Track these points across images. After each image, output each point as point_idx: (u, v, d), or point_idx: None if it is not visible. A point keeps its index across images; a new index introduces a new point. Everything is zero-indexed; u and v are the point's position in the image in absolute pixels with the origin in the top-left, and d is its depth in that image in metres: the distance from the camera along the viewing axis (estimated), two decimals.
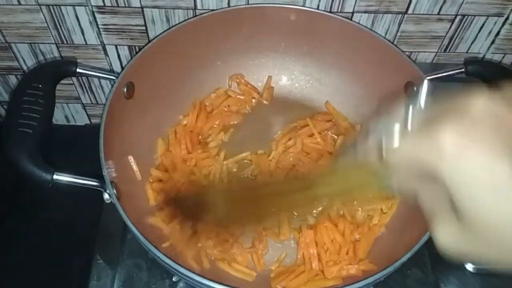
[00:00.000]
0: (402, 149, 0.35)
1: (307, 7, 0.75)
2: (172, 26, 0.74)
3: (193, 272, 0.52)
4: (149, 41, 0.72)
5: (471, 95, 0.32)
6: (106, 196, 0.60)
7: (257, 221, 0.66)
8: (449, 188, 0.32)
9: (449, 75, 0.71)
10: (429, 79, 0.69)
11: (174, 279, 0.72)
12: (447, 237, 0.35)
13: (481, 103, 0.32)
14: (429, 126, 0.33)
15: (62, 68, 0.69)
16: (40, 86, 0.64)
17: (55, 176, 0.58)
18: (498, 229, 0.31)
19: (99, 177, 0.59)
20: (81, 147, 0.68)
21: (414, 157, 0.34)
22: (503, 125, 0.31)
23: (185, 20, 0.75)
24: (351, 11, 0.77)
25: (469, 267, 0.76)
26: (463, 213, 0.32)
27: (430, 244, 0.75)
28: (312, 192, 0.50)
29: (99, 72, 0.69)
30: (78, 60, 0.85)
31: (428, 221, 0.36)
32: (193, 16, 0.77)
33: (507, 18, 0.79)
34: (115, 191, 0.59)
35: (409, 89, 0.72)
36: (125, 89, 0.69)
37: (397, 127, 0.35)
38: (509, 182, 0.30)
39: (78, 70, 0.68)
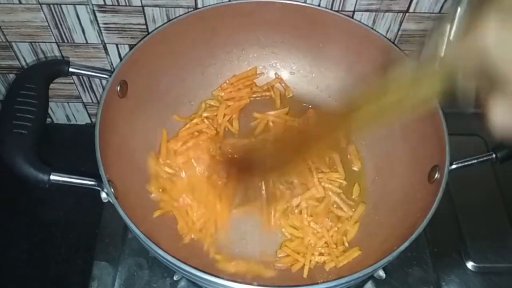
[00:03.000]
0: (451, 55, 0.40)
1: (308, 4, 0.76)
2: (164, 23, 0.74)
3: (195, 268, 0.52)
4: (141, 39, 0.72)
5: None
6: (103, 195, 0.60)
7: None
8: (496, 72, 0.36)
9: None
10: None
11: (175, 278, 0.72)
12: (502, 117, 0.39)
13: None
14: (468, 28, 0.38)
15: (55, 68, 0.68)
16: (33, 86, 0.64)
17: (52, 177, 0.58)
18: None
19: (97, 176, 0.59)
20: (82, 146, 0.68)
21: (463, 58, 0.39)
22: None
23: (177, 17, 0.75)
24: (352, 9, 0.77)
25: (470, 265, 0.76)
26: None
27: (431, 242, 0.76)
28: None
29: (92, 71, 0.69)
30: (78, 59, 0.85)
31: (485, 114, 0.39)
32: None
33: None
34: (112, 190, 0.59)
35: None
36: (118, 88, 0.69)
37: (446, 34, 0.41)
38: None
39: (70, 69, 0.68)
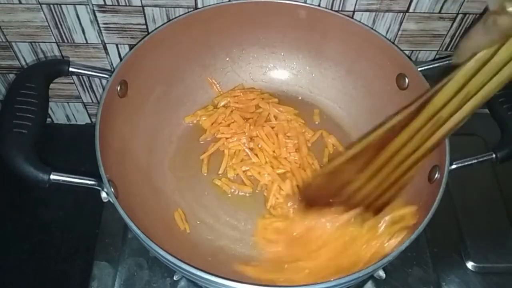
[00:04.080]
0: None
1: (308, 4, 0.76)
2: (164, 23, 0.74)
3: (195, 268, 0.52)
4: (141, 39, 0.72)
5: None
6: (103, 195, 0.60)
7: None
8: None
9: (441, 65, 0.72)
10: (421, 70, 0.71)
11: (175, 277, 0.72)
12: None
13: None
14: None
15: (55, 68, 0.68)
16: (33, 86, 0.64)
17: (52, 176, 0.58)
18: None
19: (97, 176, 0.59)
20: (82, 146, 0.68)
21: None
22: None
23: (177, 17, 0.75)
24: (352, 9, 0.77)
25: (470, 265, 0.76)
26: None
27: (431, 242, 0.76)
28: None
29: (92, 71, 0.69)
30: (78, 59, 0.85)
31: None
32: None
33: None
34: (112, 189, 0.59)
35: (401, 81, 0.73)
36: (118, 88, 0.69)
37: None
38: None
39: (70, 69, 0.68)
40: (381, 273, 0.72)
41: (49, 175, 0.58)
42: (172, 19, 0.75)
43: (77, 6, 0.76)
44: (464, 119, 0.51)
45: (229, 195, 0.76)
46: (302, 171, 0.76)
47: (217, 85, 0.84)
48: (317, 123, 0.83)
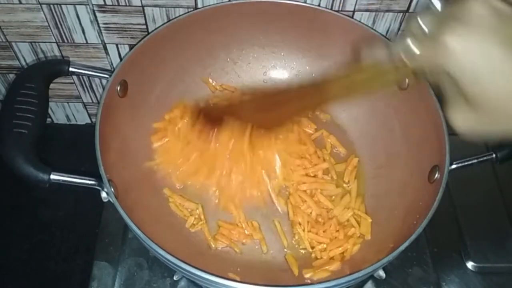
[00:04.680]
0: (419, 56, 0.43)
1: (308, 4, 0.76)
2: (164, 23, 0.74)
3: (195, 267, 0.52)
4: (141, 39, 0.72)
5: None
6: (103, 194, 0.60)
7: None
8: (458, 79, 0.39)
9: None
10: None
11: (175, 277, 0.72)
12: (462, 121, 0.42)
13: (477, 5, 0.39)
14: (437, 33, 0.40)
15: (55, 68, 0.68)
16: (33, 86, 0.64)
17: (52, 176, 0.58)
18: (500, 104, 0.38)
19: (97, 176, 0.59)
20: (82, 146, 0.68)
21: (430, 61, 0.42)
22: (500, 18, 0.38)
23: (177, 17, 0.75)
24: (352, 9, 0.77)
25: (470, 265, 0.76)
26: (472, 97, 0.39)
27: (431, 242, 0.76)
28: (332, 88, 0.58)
29: (92, 71, 0.69)
30: (78, 59, 0.86)
31: (447, 113, 0.43)
32: None
33: None
34: (113, 189, 0.59)
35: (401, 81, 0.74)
36: (118, 88, 0.69)
37: (412, 41, 0.44)
38: (503, 64, 0.37)
39: (70, 69, 0.68)
40: (381, 273, 0.72)
41: (49, 175, 0.58)
42: (172, 19, 0.75)
43: (77, 6, 0.76)
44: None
45: None
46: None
47: (217, 86, 0.84)
48: (325, 121, 0.84)
